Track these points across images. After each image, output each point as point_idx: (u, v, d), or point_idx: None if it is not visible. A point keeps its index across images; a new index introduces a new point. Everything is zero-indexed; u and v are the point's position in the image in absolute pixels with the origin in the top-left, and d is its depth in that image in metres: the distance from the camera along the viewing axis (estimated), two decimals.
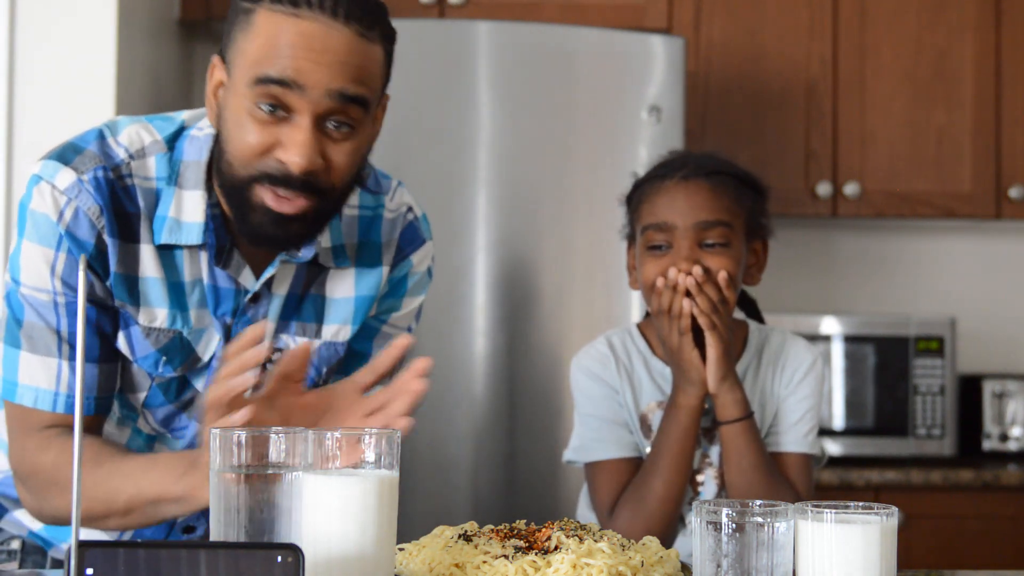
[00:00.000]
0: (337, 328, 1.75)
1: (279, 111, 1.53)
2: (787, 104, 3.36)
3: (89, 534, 1.70)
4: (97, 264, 1.61)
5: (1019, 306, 3.76)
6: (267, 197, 1.55)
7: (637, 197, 2.00)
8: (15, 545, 1.80)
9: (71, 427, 1.63)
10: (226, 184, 1.59)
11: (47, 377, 1.62)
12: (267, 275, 1.66)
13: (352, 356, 1.80)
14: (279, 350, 1.72)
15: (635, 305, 2.80)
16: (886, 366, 3.34)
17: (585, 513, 2.02)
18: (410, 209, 1.81)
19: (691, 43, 3.28)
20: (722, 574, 1.25)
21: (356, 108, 1.55)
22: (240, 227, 1.60)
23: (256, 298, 1.68)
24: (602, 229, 2.79)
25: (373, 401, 1.54)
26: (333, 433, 1.23)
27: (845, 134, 3.37)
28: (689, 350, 1.88)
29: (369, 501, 1.21)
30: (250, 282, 1.67)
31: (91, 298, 1.61)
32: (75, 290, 1.60)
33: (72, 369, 1.62)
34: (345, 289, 1.75)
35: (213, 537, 1.23)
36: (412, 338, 1.55)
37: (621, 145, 2.82)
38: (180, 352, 1.66)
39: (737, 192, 1.95)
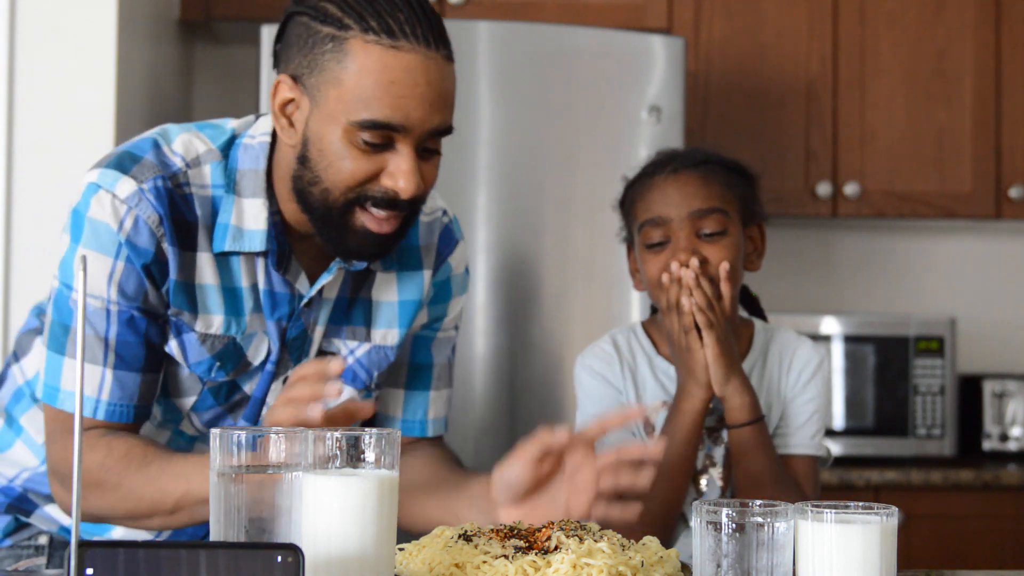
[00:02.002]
0: (384, 332, 1.78)
1: (381, 143, 1.58)
2: (787, 104, 3.36)
3: (130, 534, 1.72)
4: (156, 272, 1.62)
5: (1019, 306, 3.76)
6: (368, 221, 1.60)
7: (630, 197, 2.00)
8: (43, 540, 1.82)
9: (114, 430, 1.64)
10: (319, 208, 1.61)
11: (90, 384, 1.63)
12: (323, 281, 1.69)
13: (416, 369, 1.85)
14: (331, 354, 1.76)
15: (635, 305, 2.80)
16: (886, 366, 3.34)
17: None
18: (444, 212, 1.86)
19: (691, 43, 3.28)
20: (722, 574, 1.25)
21: (445, 135, 1.63)
22: (334, 247, 1.64)
23: (310, 303, 1.71)
24: (602, 229, 2.79)
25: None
26: (333, 433, 1.23)
27: (845, 134, 3.37)
28: (697, 348, 1.87)
29: (369, 501, 1.21)
30: (305, 287, 1.70)
31: (143, 308, 1.63)
32: (129, 299, 1.62)
33: (116, 378, 1.63)
34: (390, 293, 1.78)
35: (213, 537, 1.23)
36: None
37: (621, 145, 2.82)
38: (233, 357, 1.68)
39: (727, 179, 1.95)
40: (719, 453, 1.95)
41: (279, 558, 1.06)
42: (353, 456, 1.23)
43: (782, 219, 3.44)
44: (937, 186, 3.39)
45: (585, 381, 2.01)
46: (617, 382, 1.98)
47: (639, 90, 2.82)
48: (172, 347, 1.66)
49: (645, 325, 2.06)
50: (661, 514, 1.87)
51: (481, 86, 2.79)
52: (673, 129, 2.83)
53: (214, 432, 1.24)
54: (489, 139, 2.78)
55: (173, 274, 1.63)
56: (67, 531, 1.80)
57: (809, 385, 1.98)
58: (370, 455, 1.23)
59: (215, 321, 1.66)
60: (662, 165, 1.97)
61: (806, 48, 3.37)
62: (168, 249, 1.62)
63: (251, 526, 1.22)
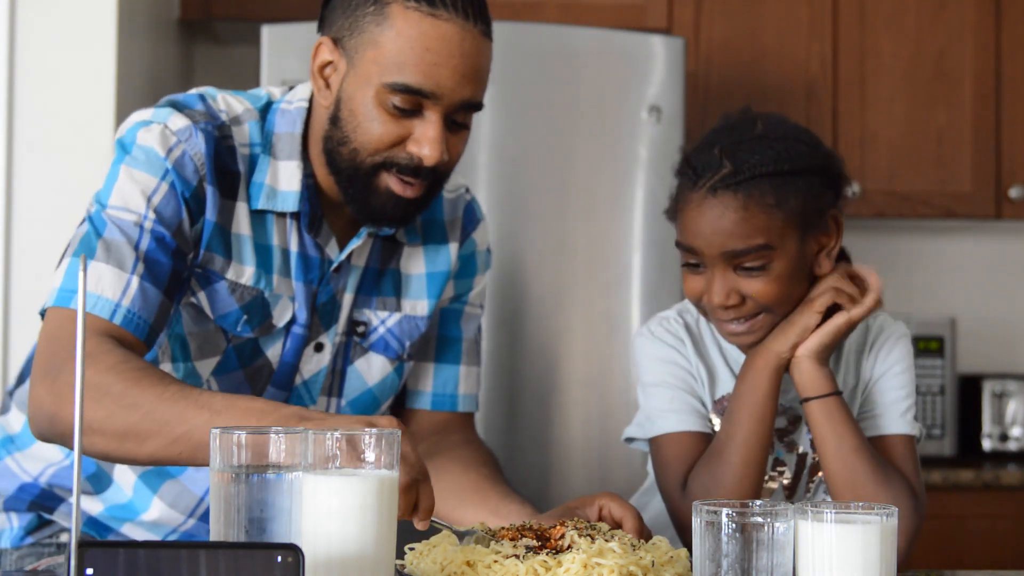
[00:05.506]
0: (414, 303, 1.83)
1: (411, 109, 1.62)
2: (787, 104, 3.36)
3: (164, 515, 1.76)
4: (194, 207, 1.64)
5: (1019, 306, 3.76)
6: (392, 183, 1.65)
7: (675, 198, 1.78)
8: (64, 538, 1.81)
9: (122, 342, 1.54)
10: (346, 169, 1.66)
11: (113, 287, 1.56)
12: (353, 246, 1.73)
13: (446, 341, 1.89)
14: (362, 323, 1.78)
15: (635, 304, 2.79)
16: None
17: (649, 495, 1.91)
18: (467, 190, 1.92)
19: (691, 43, 3.28)
20: (722, 574, 1.25)
21: (474, 110, 1.67)
22: (358, 208, 1.68)
23: (339, 268, 1.75)
24: (602, 229, 2.79)
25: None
26: (333, 433, 1.23)
27: (845, 134, 3.37)
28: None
29: (369, 501, 1.21)
30: (335, 253, 1.74)
31: (175, 235, 1.63)
32: (165, 223, 1.61)
33: (141, 288, 1.56)
34: (418, 266, 1.83)
35: (213, 537, 1.23)
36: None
37: (621, 145, 2.82)
38: (259, 312, 1.70)
39: (777, 197, 1.70)
40: (792, 461, 1.81)
41: (279, 558, 1.06)
42: (353, 456, 1.23)
43: None
44: (937, 186, 3.39)
45: (649, 348, 1.83)
46: (689, 356, 1.83)
47: (639, 90, 2.82)
48: (200, 298, 1.67)
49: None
50: (737, 489, 1.70)
51: None
52: (673, 129, 2.83)
53: (214, 432, 1.24)
54: (489, 139, 2.78)
55: (211, 215, 1.65)
56: (93, 523, 1.80)
57: (896, 360, 1.83)
58: (370, 455, 1.23)
59: (246, 271, 1.68)
60: (702, 174, 1.72)
61: (806, 49, 3.37)
62: (208, 189, 1.65)
63: (251, 526, 1.21)
